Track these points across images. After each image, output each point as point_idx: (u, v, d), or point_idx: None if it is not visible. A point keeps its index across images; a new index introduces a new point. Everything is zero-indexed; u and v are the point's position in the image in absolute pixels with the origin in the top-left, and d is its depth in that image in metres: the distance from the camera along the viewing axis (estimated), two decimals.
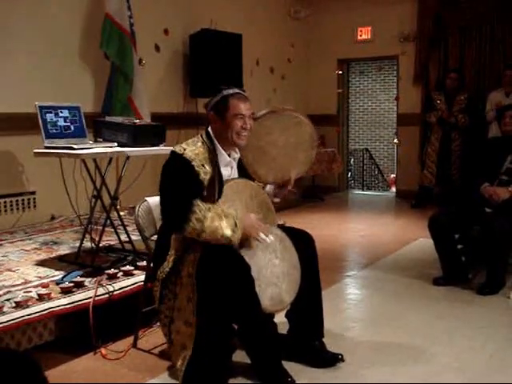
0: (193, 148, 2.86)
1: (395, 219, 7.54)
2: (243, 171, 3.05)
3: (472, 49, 7.80)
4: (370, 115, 13.34)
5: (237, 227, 2.70)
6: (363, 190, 11.22)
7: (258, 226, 2.81)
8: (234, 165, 3.01)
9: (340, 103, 9.43)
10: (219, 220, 2.66)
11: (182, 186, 2.77)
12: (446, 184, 7.37)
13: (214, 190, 2.83)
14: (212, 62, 6.73)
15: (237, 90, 2.94)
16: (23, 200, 5.25)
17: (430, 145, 7.66)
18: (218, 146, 2.91)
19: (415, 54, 8.28)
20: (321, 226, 6.64)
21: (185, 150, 2.83)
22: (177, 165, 2.82)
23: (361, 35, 8.88)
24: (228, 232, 2.67)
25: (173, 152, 2.87)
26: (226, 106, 2.88)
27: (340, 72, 9.31)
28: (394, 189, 9.87)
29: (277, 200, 3.19)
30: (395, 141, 9.18)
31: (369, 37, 8.83)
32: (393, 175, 10.68)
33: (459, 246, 4.45)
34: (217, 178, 2.85)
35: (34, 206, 5.34)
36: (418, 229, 6.08)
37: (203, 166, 2.82)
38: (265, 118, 3.05)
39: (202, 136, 2.95)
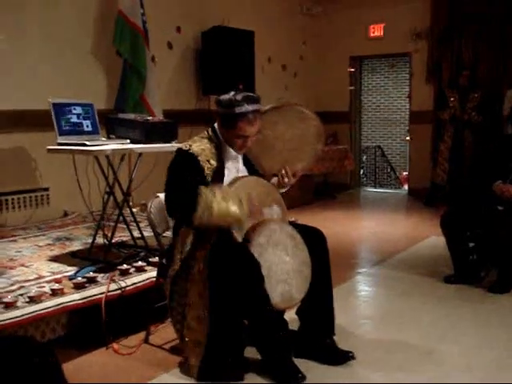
0: (199, 144, 2.90)
1: (407, 217, 7.53)
2: (249, 164, 3.07)
3: (486, 46, 7.73)
4: (383, 112, 13.28)
5: (242, 205, 2.72)
6: (375, 188, 11.19)
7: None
8: (240, 159, 3.03)
9: (352, 100, 9.42)
10: (225, 201, 2.68)
11: (187, 177, 2.81)
12: (458, 181, 7.34)
13: (219, 184, 2.86)
14: (224, 59, 6.75)
15: (250, 108, 2.84)
16: (36, 196, 5.29)
17: (442, 142, 7.63)
18: (224, 141, 2.95)
19: (428, 52, 8.24)
20: (332, 223, 6.64)
21: (191, 146, 2.88)
22: (182, 160, 2.86)
23: (373, 32, 8.85)
24: (236, 210, 2.69)
25: (179, 149, 2.91)
26: (233, 125, 2.86)
27: (352, 70, 9.29)
28: (406, 186, 9.83)
29: (282, 191, 3.20)
30: (407, 138, 9.14)
31: (381, 34, 8.80)
32: (405, 173, 10.62)
33: (471, 244, 4.43)
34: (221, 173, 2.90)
35: (48, 203, 5.39)
36: (429, 226, 6.07)
37: (208, 161, 2.86)
38: (271, 112, 3.05)
39: (208, 132, 2.98)
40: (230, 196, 2.72)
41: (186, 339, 2.85)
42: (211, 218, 2.68)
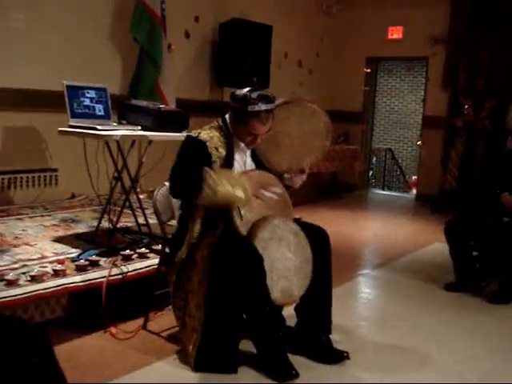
0: (208, 132, 2.91)
1: (413, 221, 7.51)
2: (257, 160, 3.09)
3: (502, 55, 7.69)
4: (396, 115, 13.25)
5: (247, 190, 2.74)
6: (383, 190, 11.17)
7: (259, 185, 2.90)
8: (248, 153, 3.05)
9: (366, 101, 9.40)
10: (231, 185, 2.69)
11: (194, 159, 2.83)
12: (466, 189, 7.29)
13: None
14: (240, 52, 6.75)
15: (263, 108, 2.83)
16: (45, 176, 5.32)
17: (454, 149, 7.60)
18: (233, 134, 2.96)
19: (445, 57, 8.21)
20: (337, 223, 6.64)
21: (200, 133, 2.90)
22: (190, 145, 2.89)
23: (392, 34, 8.81)
24: (241, 194, 2.70)
25: (188, 135, 2.94)
26: (245, 122, 2.87)
27: (368, 70, 9.26)
28: (414, 191, 9.81)
29: (295, 187, 3.21)
30: (419, 143, 9.11)
31: (400, 36, 8.76)
32: (414, 177, 10.60)
33: (474, 253, 4.43)
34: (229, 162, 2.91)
35: (56, 183, 5.41)
36: (435, 233, 6.05)
37: (217, 149, 2.87)
38: (280, 108, 3.04)
39: (218, 121, 2.99)
40: (236, 180, 2.73)
41: (186, 326, 2.88)
42: (216, 200, 2.69)
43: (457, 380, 2.95)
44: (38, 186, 5.29)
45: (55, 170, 5.39)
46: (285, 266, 2.86)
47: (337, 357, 3.00)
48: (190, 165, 2.82)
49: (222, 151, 2.91)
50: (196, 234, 2.85)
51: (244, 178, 2.79)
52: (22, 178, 5.13)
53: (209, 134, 2.91)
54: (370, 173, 11.06)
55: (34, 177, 5.23)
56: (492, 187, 4.37)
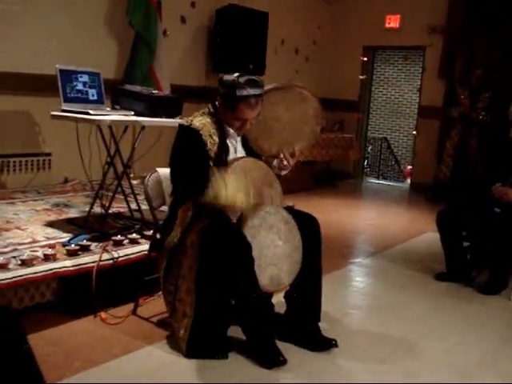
0: (200, 119, 2.91)
1: (407, 211, 7.53)
2: (247, 145, 3.08)
3: (499, 47, 7.67)
4: (392, 104, 13.23)
5: (249, 196, 2.76)
6: (378, 179, 11.18)
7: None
8: (239, 139, 3.05)
9: (362, 90, 9.38)
10: (234, 190, 2.70)
11: (195, 154, 2.83)
12: (460, 179, 7.30)
13: (222, 160, 2.88)
14: (237, 39, 6.72)
15: (252, 92, 2.82)
16: (38, 161, 5.31)
17: (448, 139, 7.59)
18: (223, 120, 2.96)
19: (442, 47, 8.19)
20: (331, 212, 6.66)
21: (192, 121, 2.89)
22: (185, 135, 2.88)
23: (389, 23, 8.77)
24: (243, 202, 2.72)
25: (180, 125, 2.92)
26: (233, 107, 2.86)
27: (365, 59, 9.24)
28: (409, 180, 9.83)
29: (284, 173, 3.21)
30: (414, 132, 9.11)
31: (397, 25, 8.72)
32: (409, 166, 10.61)
33: (465, 244, 4.44)
34: (224, 149, 2.91)
35: (49, 168, 5.40)
36: (427, 222, 6.05)
37: (211, 136, 2.87)
38: (270, 93, 3.03)
39: (209, 108, 2.99)
40: (240, 184, 2.73)
41: (177, 311, 2.89)
42: (220, 200, 2.70)
43: (446, 369, 2.96)
44: (31, 170, 5.28)
45: (48, 155, 5.39)
46: (274, 254, 2.87)
47: (325, 344, 3.01)
48: (188, 158, 2.83)
49: (216, 138, 2.91)
50: (188, 220, 2.85)
51: (249, 183, 2.80)
52: (15, 162, 5.13)
53: (201, 121, 2.91)
54: (365, 162, 11.07)
55: (27, 161, 5.23)
56: (491, 179, 4.37)
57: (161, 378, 2.67)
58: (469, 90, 7.39)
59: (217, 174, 2.71)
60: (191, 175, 2.78)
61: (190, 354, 2.82)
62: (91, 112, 3.67)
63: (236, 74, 2.88)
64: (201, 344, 2.83)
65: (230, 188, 2.68)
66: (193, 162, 2.80)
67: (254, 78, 2.88)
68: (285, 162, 3.13)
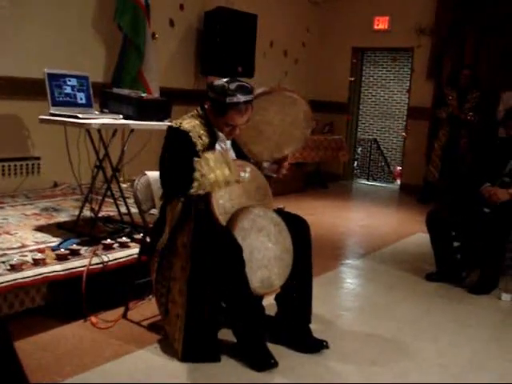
0: (189, 121, 2.91)
1: (397, 212, 7.56)
2: (238, 149, 3.08)
3: (487, 47, 7.71)
4: (382, 105, 13.26)
5: (232, 168, 2.76)
6: (368, 180, 11.19)
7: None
8: (229, 143, 3.05)
9: (351, 91, 9.40)
10: (217, 169, 2.71)
11: (182, 153, 2.82)
12: (449, 180, 7.34)
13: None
14: (226, 41, 6.72)
15: (242, 99, 2.82)
16: (27, 165, 5.27)
17: (437, 140, 7.62)
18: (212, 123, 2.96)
19: (431, 48, 8.22)
20: (321, 213, 6.67)
21: (181, 123, 2.89)
22: (174, 137, 2.88)
23: (378, 25, 8.80)
24: (228, 175, 2.74)
25: (169, 127, 2.93)
26: (223, 113, 2.86)
27: (353, 61, 9.26)
28: (399, 181, 9.86)
29: (275, 175, 3.22)
30: (403, 134, 9.14)
31: (386, 27, 8.75)
32: (399, 168, 10.64)
33: (455, 244, 4.46)
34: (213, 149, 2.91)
35: (38, 172, 5.37)
36: (417, 223, 6.07)
37: (200, 137, 2.88)
38: (260, 98, 3.03)
39: (197, 110, 2.98)
40: (221, 160, 2.75)
41: (170, 313, 2.88)
42: (207, 187, 2.72)
43: (437, 369, 2.97)
44: (21, 175, 5.25)
45: (38, 159, 5.36)
46: (264, 256, 2.87)
47: (316, 346, 3.01)
48: (178, 159, 2.82)
49: (206, 139, 2.91)
50: (176, 218, 2.84)
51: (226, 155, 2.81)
52: (3, 166, 5.09)
53: (190, 124, 2.90)
54: (355, 163, 11.08)
55: (16, 165, 5.19)
56: (480, 179, 4.39)
57: (152, 382, 2.66)
58: (457, 91, 7.42)
59: (198, 162, 2.72)
60: (182, 175, 2.77)
61: (185, 356, 2.81)
62: (80, 116, 3.66)
63: (226, 80, 2.88)
64: (194, 346, 2.82)
65: (214, 168, 2.71)
66: (183, 162, 2.78)
67: (244, 83, 2.88)
68: (283, 171, 3.16)
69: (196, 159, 2.73)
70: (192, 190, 2.71)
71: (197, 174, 2.69)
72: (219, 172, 2.70)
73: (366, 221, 6.64)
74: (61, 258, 3.28)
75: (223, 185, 2.75)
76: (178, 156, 2.84)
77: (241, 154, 3.09)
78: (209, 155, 2.75)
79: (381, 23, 8.80)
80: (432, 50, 8.22)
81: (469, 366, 3.05)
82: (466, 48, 7.88)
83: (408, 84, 9.43)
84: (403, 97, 12.26)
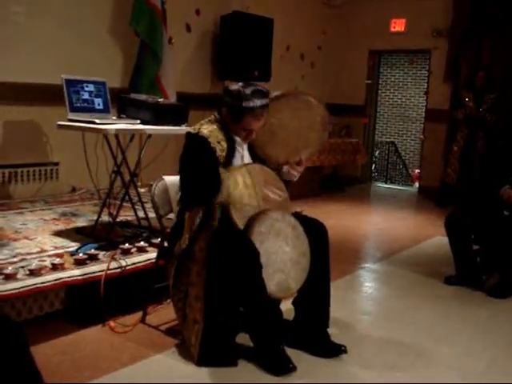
0: (206, 126, 2.91)
1: (415, 215, 7.51)
2: (254, 152, 3.08)
3: (503, 48, 7.64)
4: (399, 108, 13.21)
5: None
6: (386, 183, 11.14)
7: None
8: (245, 146, 3.05)
9: (369, 94, 9.37)
10: (240, 185, 2.77)
11: (206, 160, 2.83)
12: (467, 182, 7.27)
13: (231, 165, 2.92)
14: (242, 46, 6.73)
15: (258, 104, 2.84)
16: (46, 170, 5.32)
17: (455, 142, 7.56)
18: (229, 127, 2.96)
19: (447, 50, 8.17)
20: (339, 217, 6.64)
21: (199, 129, 2.89)
22: (194, 144, 2.88)
23: (394, 27, 8.78)
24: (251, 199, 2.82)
25: (188, 133, 2.92)
26: (239, 117, 2.87)
27: (370, 63, 9.23)
28: (417, 184, 9.79)
29: (294, 179, 3.22)
30: (421, 136, 9.09)
31: (402, 29, 8.72)
32: (417, 170, 10.58)
33: (475, 247, 4.41)
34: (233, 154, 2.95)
35: (57, 177, 5.41)
36: (436, 226, 6.01)
37: (219, 143, 2.87)
38: (276, 101, 3.03)
39: (215, 115, 2.99)
40: (249, 181, 2.80)
41: (187, 317, 2.88)
42: (230, 200, 2.76)
43: (456, 374, 2.94)
44: (39, 180, 5.29)
45: (56, 164, 5.40)
46: (282, 260, 2.86)
47: (334, 351, 2.99)
48: (200, 167, 2.82)
49: (224, 144, 2.91)
50: (196, 225, 2.84)
51: (255, 183, 2.87)
52: (22, 172, 5.14)
53: (208, 129, 2.90)
54: (373, 166, 11.03)
55: (34, 171, 5.24)
56: (490, 182, 4.34)
57: None
58: (473, 92, 7.36)
59: (225, 175, 2.74)
60: (204, 180, 2.77)
61: (201, 361, 2.81)
62: (97, 121, 3.68)
63: (241, 84, 2.88)
64: (212, 351, 2.82)
65: (239, 186, 2.74)
66: (205, 167, 2.79)
67: (259, 88, 2.88)
68: (294, 173, 3.15)
69: (222, 172, 2.76)
70: (216, 201, 2.74)
71: (224, 193, 2.73)
72: (243, 191, 2.77)
73: (384, 224, 6.60)
74: (79, 263, 3.30)
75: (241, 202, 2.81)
76: (199, 161, 2.84)
77: (257, 158, 3.09)
78: (239, 178, 2.84)
79: (397, 25, 8.78)
80: (449, 52, 8.16)
81: (488, 371, 3.01)
82: (483, 49, 7.81)
83: (426, 86, 9.37)
84: (421, 99, 12.20)
